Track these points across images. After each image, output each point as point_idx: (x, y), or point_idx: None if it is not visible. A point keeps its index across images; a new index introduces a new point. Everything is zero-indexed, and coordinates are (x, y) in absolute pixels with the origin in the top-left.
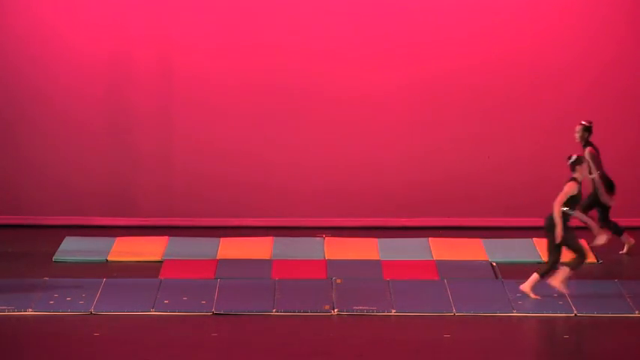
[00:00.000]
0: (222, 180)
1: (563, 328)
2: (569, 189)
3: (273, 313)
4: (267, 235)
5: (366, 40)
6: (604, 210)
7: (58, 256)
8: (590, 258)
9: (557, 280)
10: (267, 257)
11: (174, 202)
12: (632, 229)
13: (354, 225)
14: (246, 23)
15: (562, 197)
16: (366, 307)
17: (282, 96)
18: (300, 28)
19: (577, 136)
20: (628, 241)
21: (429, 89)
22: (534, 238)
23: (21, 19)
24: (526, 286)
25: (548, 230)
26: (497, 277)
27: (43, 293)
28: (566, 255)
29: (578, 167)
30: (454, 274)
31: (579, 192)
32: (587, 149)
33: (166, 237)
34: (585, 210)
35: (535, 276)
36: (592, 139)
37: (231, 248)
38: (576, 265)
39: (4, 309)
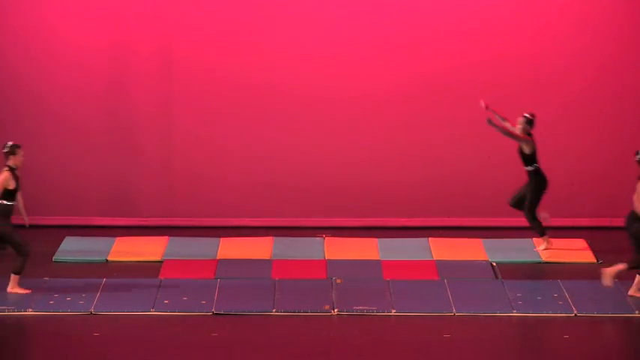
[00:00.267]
0: (222, 180)
1: (563, 328)
2: None
3: (273, 313)
4: (267, 235)
5: (366, 39)
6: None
7: (58, 256)
8: None
9: (611, 273)
10: (267, 257)
11: (174, 202)
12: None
13: (354, 225)
14: (246, 23)
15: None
16: (366, 307)
17: (282, 96)
18: (300, 29)
19: (518, 130)
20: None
21: (428, 89)
22: (534, 238)
23: (19, 18)
24: (633, 290)
25: (628, 229)
26: (497, 277)
27: (43, 293)
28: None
29: None
30: (454, 274)
31: None
32: None
33: (166, 237)
34: (521, 203)
35: (638, 277)
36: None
37: (231, 248)
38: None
39: (4, 309)
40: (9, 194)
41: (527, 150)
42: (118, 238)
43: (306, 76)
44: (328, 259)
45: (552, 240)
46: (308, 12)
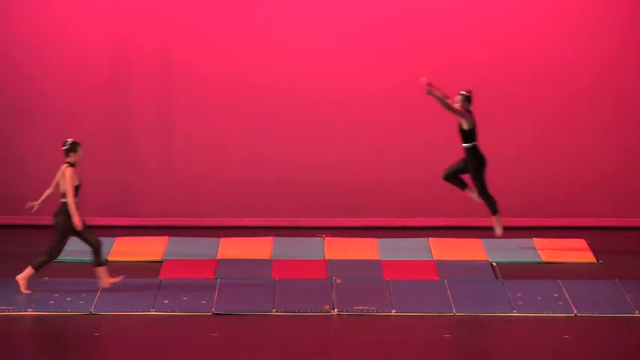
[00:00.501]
0: (222, 180)
1: (563, 328)
2: None
3: (273, 313)
4: (267, 235)
5: (366, 39)
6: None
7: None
8: None
9: None
10: (267, 257)
11: (174, 202)
12: (631, 229)
13: (354, 225)
14: (246, 23)
15: None
16: (366, 307)
17: (282, 96)
18: (300, 29)
19: (457, 106)
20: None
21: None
22: (534, 238)
23: (19, 17)
24: None
25: None
26: (497, 277)
27: (43, 293)
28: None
29: None
30: (454, 274)
31: None
32: None
33: (166, 237)
34: (454, 177)
35: None
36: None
37: (231, 248)
38: None
39: (4, 309)
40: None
41: (466, 126)
42: (118, 238)
43: (307, 77)
44: (328, 259)
45: (548, 240)
46: (308, 12)
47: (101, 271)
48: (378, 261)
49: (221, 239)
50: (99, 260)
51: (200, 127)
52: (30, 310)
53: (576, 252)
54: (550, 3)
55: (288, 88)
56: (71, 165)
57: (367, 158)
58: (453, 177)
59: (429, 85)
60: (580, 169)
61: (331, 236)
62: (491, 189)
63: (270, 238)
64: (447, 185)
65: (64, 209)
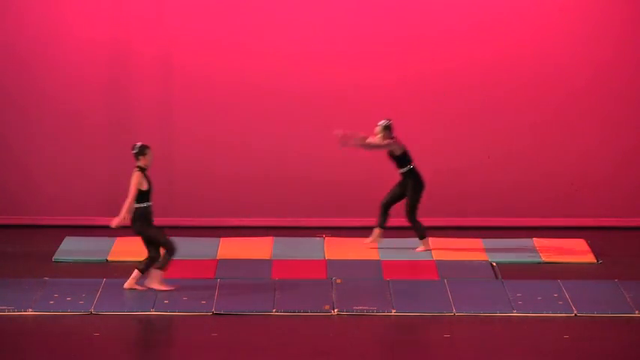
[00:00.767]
0: (223, 180)
1: (563, 328)
2: None
3: (273, 313)
4: (267, 235)
5: (366, 39)
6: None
7: (58, 256)
8: None
9: None
10: (267, 257)
11: (174, 202)
12: (631, 229)
13: (354, 225)
14: (246, 23)
15: None
16: (366, 307)
17: (282, 96)
18: (300, 29)
19: (380, 138)
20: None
21: (428, 89)
22: (534, 238)
23: (19, 17)
24: None
25: None
26: (497, 277)
27: (43, 293)
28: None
29: None
30: (454, 274)
31: None
32: None
33: None
34: (392, 204)
35: None
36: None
37: (231, 248)
38: None
39: (4, 309)
40: (143, 195)
41: (397, 152)
42: (118, 238)
43: (308, 77)
44: (328, 259)
45: (548, 240)
46: (307, 12)
47: (157, 274)
48: (378, 261)
49: (221, 239)
50: (163, 264)
51: (200, 126)
52: (30, 310)
53: (576, 252)
54: (550, 3)
55: (289, 88)
56: (141, 169)
57: (367, 158)
58: (391, 205)
59: (344, 136)
60: (580, 169)
61: (331, 236)
62: (492, 189)
63: (270, 238)
64: (447, 185)
65: (136, 215)
